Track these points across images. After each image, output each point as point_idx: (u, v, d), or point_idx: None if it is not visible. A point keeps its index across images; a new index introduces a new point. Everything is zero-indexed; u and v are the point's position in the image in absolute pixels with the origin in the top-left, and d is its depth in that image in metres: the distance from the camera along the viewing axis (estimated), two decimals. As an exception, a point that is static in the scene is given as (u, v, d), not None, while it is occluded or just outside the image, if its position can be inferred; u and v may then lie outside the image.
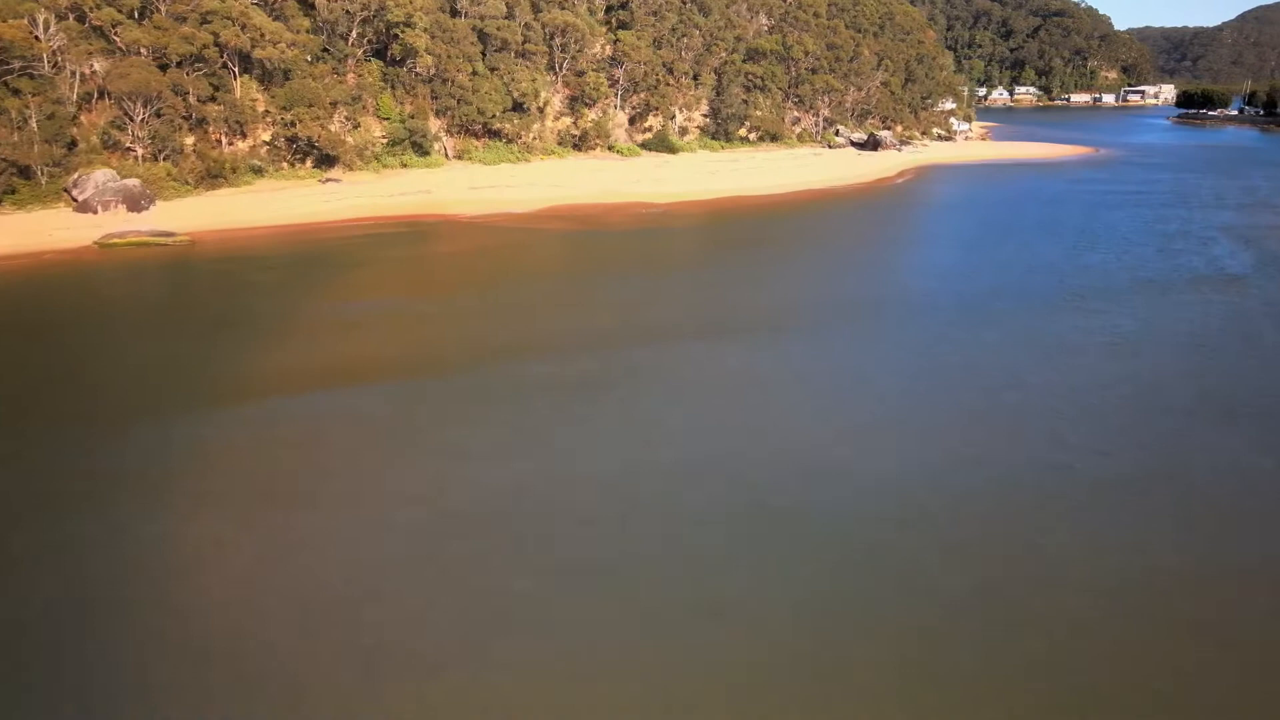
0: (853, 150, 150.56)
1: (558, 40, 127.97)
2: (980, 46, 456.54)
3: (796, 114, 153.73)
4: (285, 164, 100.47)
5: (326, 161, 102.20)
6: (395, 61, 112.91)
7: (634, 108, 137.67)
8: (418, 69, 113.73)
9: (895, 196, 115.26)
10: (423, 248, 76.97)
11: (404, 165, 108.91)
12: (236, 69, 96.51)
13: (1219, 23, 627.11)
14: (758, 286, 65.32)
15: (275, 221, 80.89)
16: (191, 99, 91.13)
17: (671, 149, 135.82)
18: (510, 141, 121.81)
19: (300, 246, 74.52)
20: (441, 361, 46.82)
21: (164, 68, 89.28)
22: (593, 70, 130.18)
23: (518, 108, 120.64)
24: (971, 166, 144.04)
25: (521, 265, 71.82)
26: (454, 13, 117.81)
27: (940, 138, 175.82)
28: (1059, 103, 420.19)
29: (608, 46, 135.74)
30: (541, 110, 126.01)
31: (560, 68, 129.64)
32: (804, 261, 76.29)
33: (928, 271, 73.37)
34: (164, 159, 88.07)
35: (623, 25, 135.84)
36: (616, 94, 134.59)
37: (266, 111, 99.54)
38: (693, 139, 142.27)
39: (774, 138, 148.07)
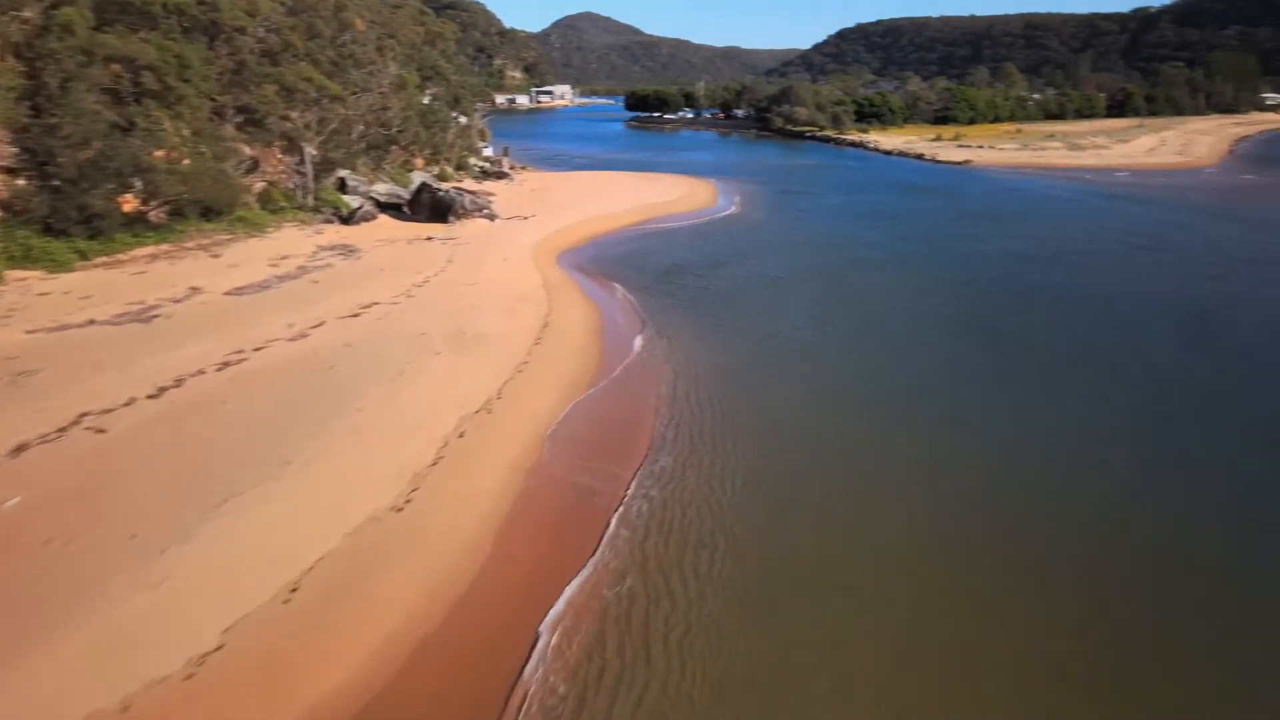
0: (372, 228, 72.06)
1: None
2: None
3: (252, 154, 68.13)
4: None
5: None
6: None
7: None
8: None
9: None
10: None
11: None
12: None
13: (540, 28, 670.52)
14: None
15: None
16: None
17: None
18: None
19: None
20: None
21: None
22: None
23: None
24: (641, 241, 76.34)
25: None
26: None
27: (485, 173, 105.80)
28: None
29: None
30: None
31: None
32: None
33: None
34: None
35: None
36: None
37: None
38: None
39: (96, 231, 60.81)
